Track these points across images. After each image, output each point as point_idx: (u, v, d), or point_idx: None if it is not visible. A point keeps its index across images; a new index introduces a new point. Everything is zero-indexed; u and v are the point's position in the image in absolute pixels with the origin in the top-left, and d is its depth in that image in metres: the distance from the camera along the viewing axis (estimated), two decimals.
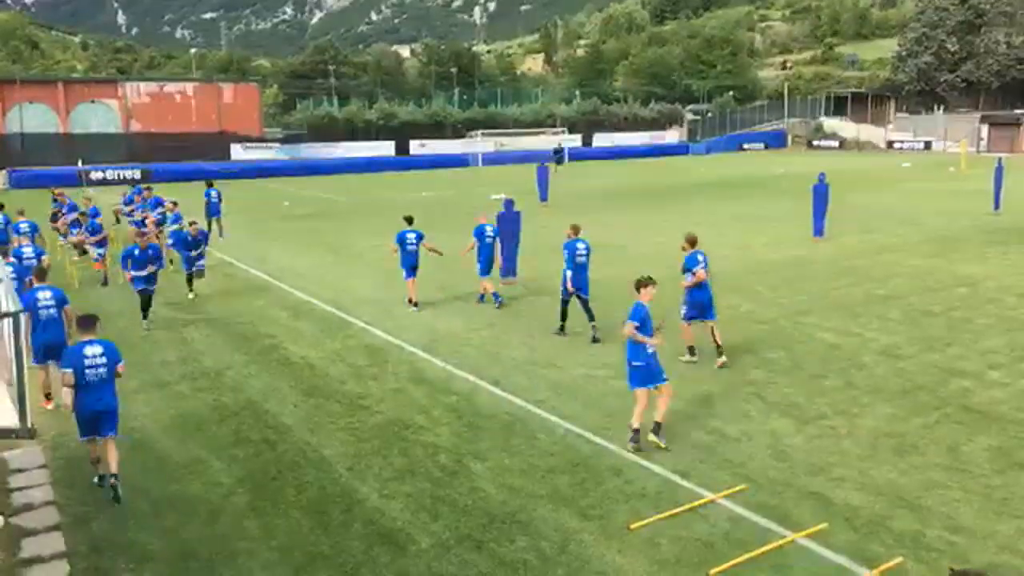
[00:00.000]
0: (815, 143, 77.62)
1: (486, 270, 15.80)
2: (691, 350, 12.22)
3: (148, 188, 24.90)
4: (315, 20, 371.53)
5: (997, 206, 27.91)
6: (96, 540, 7.35)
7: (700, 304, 12.06)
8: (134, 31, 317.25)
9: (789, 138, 79.49)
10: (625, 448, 8.98)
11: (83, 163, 49.58)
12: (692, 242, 12.13)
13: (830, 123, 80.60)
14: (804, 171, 40.40)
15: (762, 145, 77.69)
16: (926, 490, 7.96)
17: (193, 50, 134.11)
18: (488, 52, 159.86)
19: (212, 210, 25.34)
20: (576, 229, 13.75)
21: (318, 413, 10.42)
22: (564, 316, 13.79)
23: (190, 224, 17.49)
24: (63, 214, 21.90)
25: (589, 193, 38.59)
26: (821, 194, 23.14)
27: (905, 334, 13.42)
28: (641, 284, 9.22)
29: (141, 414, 10.52)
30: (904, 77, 77.30)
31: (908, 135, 72.47)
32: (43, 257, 14.23)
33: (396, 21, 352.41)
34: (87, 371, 7.98)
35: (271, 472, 8.71)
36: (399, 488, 8.26)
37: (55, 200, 23.43)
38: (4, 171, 48.80)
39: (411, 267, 15.71)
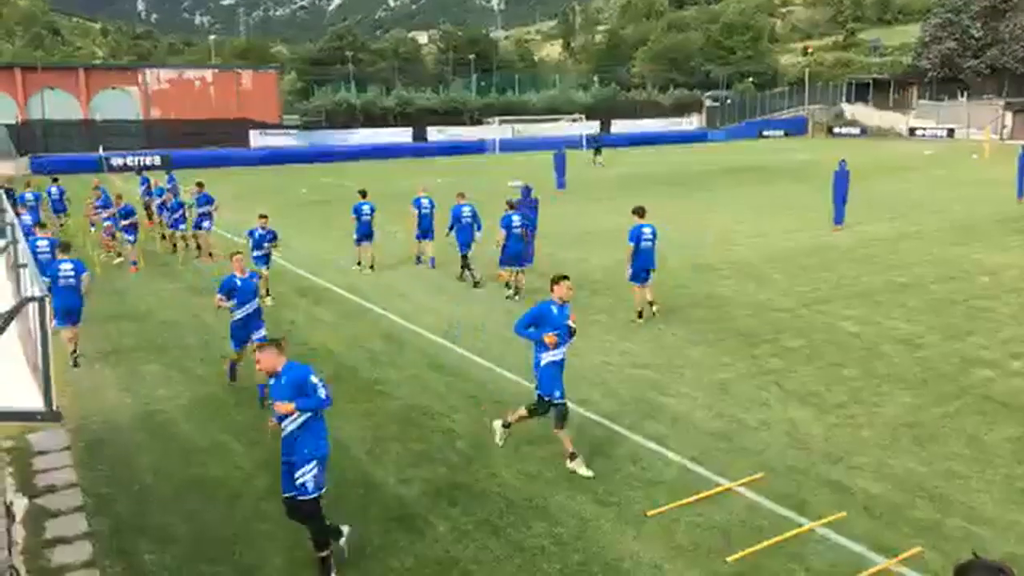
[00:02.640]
0: (836, 130, 76.70)
1: (423, 236, 18.29)
2: (508, 285, 15.50)
3: (200, 184, 20.49)
4: (333, 6, 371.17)
5: (1021, 194, 27.53)
6: (119, 522, 7.46)
7: (514, 254, 15.12)
8: (154, 18, 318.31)
9: (810, 125, 78.55)
10: (640, 433, 9.00)
11: (104, 149, 49.93)
12: (511, 205, 15.51)
13: (851, 110, 79.60)
14: (824, 158, 40.01)
15: (782, 132, 76.85)
16: (946, 480, 7.91)
17: (212, 37, 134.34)
18: (506, 38, 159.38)
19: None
20: (462, 195, 16.93)
21: (336, 398, 10.39)
22: (465, 268, 16.77)
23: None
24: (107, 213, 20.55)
25: (606, 180, 38.42)
26: (842, 181, 22.92)
27: (926, 323, 13.32)
28: None
29: (162, 398, 10.63)
30: (927, 63, 76.10)
31: (931, 122, 71.47)
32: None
33: (414, 7, 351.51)
34: (60, 279, 11.53)
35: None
36: (417, 473, 8.31)
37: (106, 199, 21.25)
38: (26, 157, 49.21)
39: (364, 235, 18.17)
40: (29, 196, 21.95)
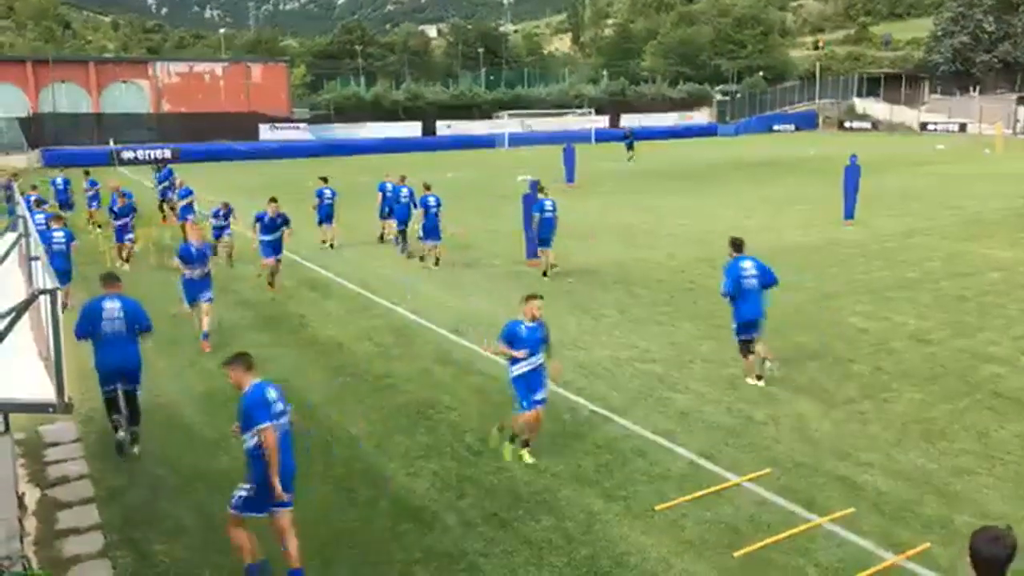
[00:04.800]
0: (847, 124, 76.32)
1: (385, 217, 20.49)
2: (422, 259, 18.05)
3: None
4: (342, 0, 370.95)
5: None
6: (129, 513, 7.51)
7: (428, 230, 17.55)
8: (163, 11, 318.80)
9: (820, 119, 78.21)
10: (648, 428, 9.00)
11: (114, 143, 50.10)
12: (427, 187, 17.85)
13: (862, 104, 79.18)
14: (835, 153, 39.79)
15: (792, 126, 76.53)
16: (955, 476, 7.89)
17: (222, 30, 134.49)
18: (515, 32, 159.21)
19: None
20: (402, 178, 19.52)
21: (345, 392, 10.52)
22: (400, 241, 19.28)
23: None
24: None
25: (616, 174, 38.35)
26: (852, 176, 22.79)
27: (936, 319, 13.25)
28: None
29: (171, 390, 10.69)
30: (939, 57, 75.65)
31: (942, 117, 71.00)
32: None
33: (423, 1, 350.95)
34: (54, 245, 13.64)
35: (299, 449, 8.79)
36: (425, 466, 8.34)
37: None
38: (37, 150, 49.43)
39: (326, 216, 20.21)
40: (59, 181, 24.24)
